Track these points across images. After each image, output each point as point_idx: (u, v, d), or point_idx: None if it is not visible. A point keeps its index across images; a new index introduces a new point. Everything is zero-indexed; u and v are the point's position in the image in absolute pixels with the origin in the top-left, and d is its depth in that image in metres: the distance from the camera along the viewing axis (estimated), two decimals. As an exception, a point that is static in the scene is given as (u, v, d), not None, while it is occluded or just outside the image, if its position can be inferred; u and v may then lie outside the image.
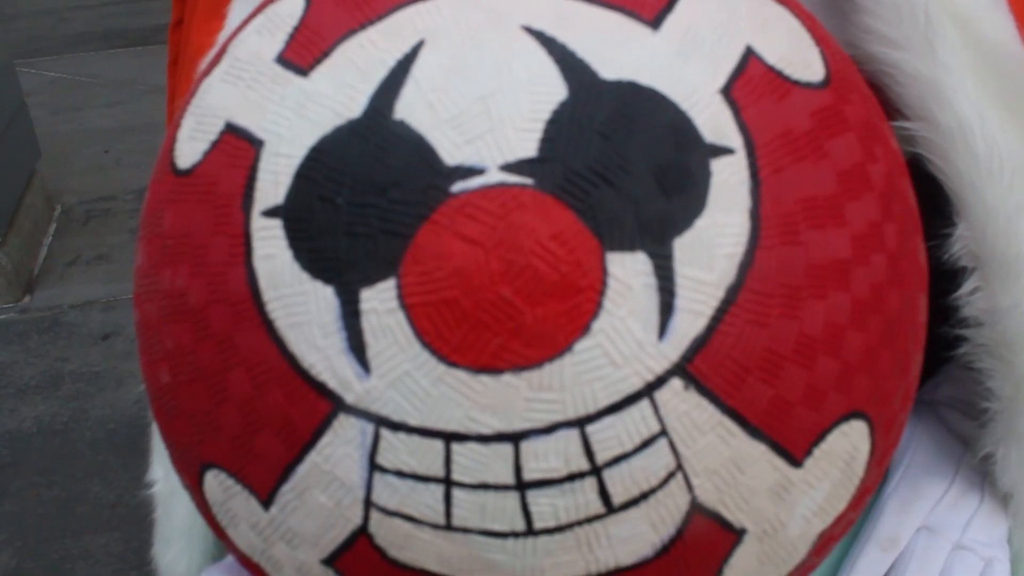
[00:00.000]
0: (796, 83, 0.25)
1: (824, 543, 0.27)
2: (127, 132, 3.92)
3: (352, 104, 0.24)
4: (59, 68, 4.93)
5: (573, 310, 0.21)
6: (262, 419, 0.24)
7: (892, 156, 0.27)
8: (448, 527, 0.23)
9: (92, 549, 1.72)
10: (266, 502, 0.25)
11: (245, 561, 0.28)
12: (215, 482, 0.26)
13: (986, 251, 0.44)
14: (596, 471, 0.22)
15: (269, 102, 0.25)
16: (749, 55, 0.24)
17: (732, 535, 0.24)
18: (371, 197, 0.23)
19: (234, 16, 0.53)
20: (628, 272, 0.22)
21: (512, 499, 0.22)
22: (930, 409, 0.59)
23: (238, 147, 0.25)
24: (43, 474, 1.93)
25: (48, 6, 5.92)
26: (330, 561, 0.25)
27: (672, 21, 0.24)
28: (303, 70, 0.25)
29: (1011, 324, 0.46)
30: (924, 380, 0.59)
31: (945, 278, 0.47)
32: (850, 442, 0.25)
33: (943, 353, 0.51)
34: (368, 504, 0.23)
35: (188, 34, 0.61)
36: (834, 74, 0.26)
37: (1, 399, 2.18)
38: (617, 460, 0.22)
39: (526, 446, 0.22)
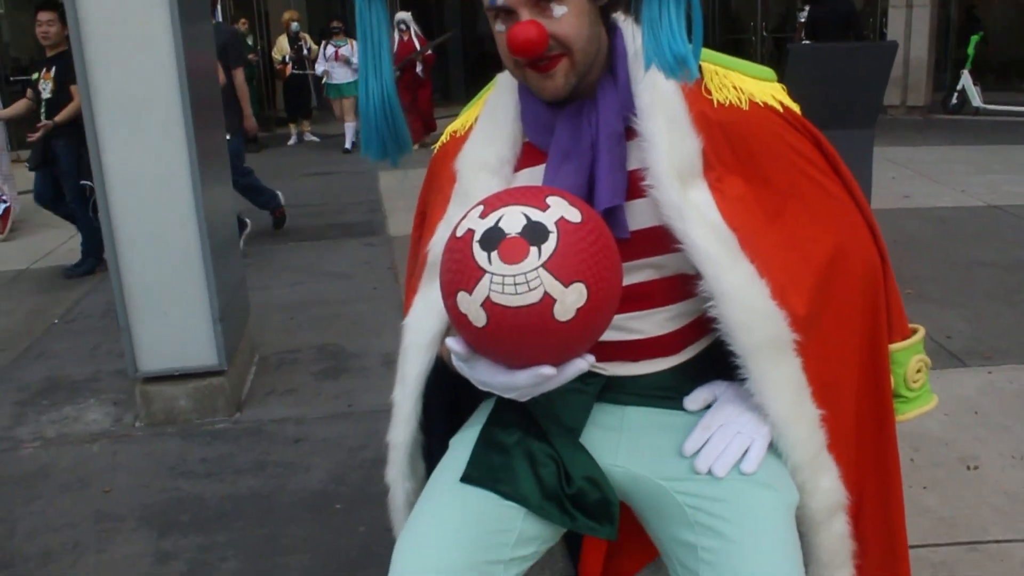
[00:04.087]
0: (570, 221, 1.09)
1: (581, 317, 1.08)
2: (305, 306, 4.92)
3: (491, 223, 1.10)
4: (250, 256, 6.04)
5: (525, 254, 1.06)
6: (471, 278, 1.08)
7: (598, 237, 1.11)
8: (499, 295, 1.07)
9: (291, 564, 2.50)
10: (470, 292, 1.08)
11: (460, 316, 1.10)
12: (463, 294, 1.09)
13: (713, 291, 1.24)
14: (528, 281, 1.06)
15: (477, 225, 1.12)
16: (560, 216, 1.09)
17: (553, 299, 1.06)
18: (495, 240, 1.09)
19: (452, 207, 1.40)
20: (533, 251, 1.06)
21: (511, 285, 1.06)
22: (742, 383, 1.34)
23: (470, 233, 1.12)
24: (255, 519, 2.74)
25: (240, 208, 7.20)
26: (482, 304, 1.07)
27: (550, 207, 1.10)
28: (485, 218, 1.12)
29: (724, 326, 1.25)
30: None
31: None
32: (577, 289, 1.06)
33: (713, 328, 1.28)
34: (490, 289, 1.07)
35: (431, 217, 1.48)
36: (584, 218, 1.10)
37: (224, 475, 3.05)
38: (532, 272, 1.06)
39: (514, 278, 1.07)
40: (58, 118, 5.47)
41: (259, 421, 3.47)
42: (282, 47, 11.75)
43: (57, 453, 3.28)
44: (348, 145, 10.89)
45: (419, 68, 10.32)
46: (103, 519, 2.79)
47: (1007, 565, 2.34)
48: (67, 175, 5.67)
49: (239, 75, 6.28)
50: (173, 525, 2.73)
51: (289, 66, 11.62)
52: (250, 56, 11.39)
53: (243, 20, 11.68)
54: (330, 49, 10.89)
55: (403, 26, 10.16)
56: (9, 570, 2.54)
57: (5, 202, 6.70)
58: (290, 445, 3.25)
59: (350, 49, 10.66)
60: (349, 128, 10.91)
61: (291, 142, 12.01)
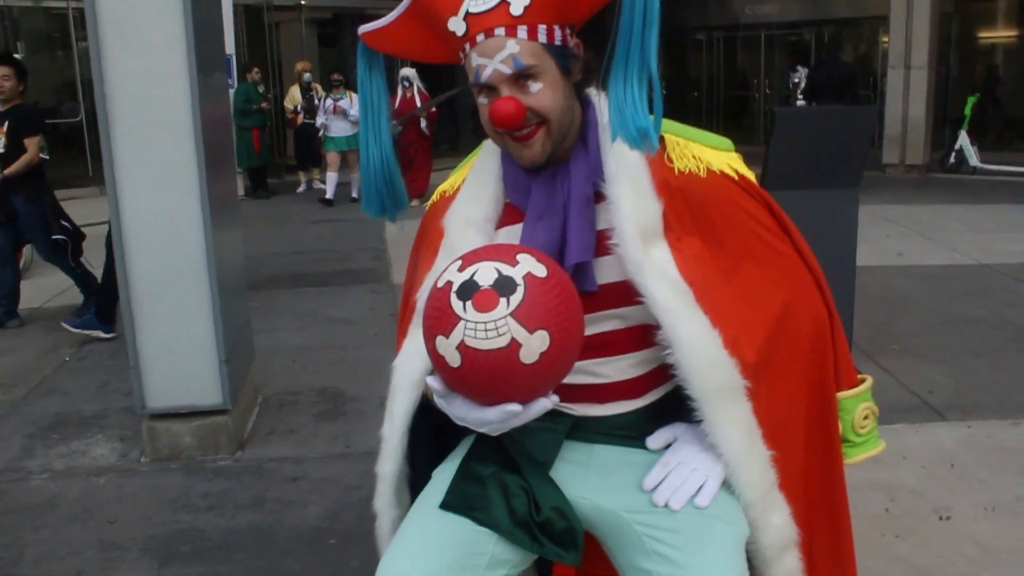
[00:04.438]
0: (536, 276, 1.23)
1: (544, 360, 1.21)
2: (309, 351, 5.06)
3: (467, 276, 1.25)
4: (257, 300, 6.17)
5: (495, 304, 1.21)
6: (448, 324, 1.23)
7: (561, 291, 1.25)
8: (472, 339, 1.21)
9: (285, 596, 2.61)
10: (447, 336, 1.22)
11: (439, 357, 1.24)
12: (441, 338, 1.23)
13: (670, 340, 1.38)
14: (497, 327, 1.20)
15: (455, 277, 1.26)
16: (528, 272, 1.23)
17: (519, 344, 1.20)
18: (470, 291, 1.23)
19: (439, 260, 1.55)
20: (503, 301, 1.21)
21: (482, 331, 1.21)
22: (699, 425, 1.48)
23: (448, 285, 1.26)
24: (254, 551, 2.85)
25: (249, 253, 7.40)
26: (457, 347, 1.21)
27: (519, 263, 1.25)
28: (462, 272, 1.27)
29: (681, 371, 1.38)
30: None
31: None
32: (540, 336, 1.21)
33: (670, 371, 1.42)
34: (464, 334, 1.21)
35: (420, 268, 1.63)
36: (549, 273, 1.25)
37: (225, 509, 3.16)
38: (501, 320, 1.20)
39: (485, 324, 1.21)
40: (8, 171, 5.43)
41: (260, 459, 3.59)
42: (294, 97, 12.03)
43: (65, 485, 3.41)
44: (355, 194, 11.00)
45: (424, 124, 10.39)
46: (108, 548, 2.90)
47: (972, 610, 2.44)
48: (32, 233, 5.60)
49: None
50: (175, 555, 2.84)
51: (300, 115, 11.87)
52: (262, 104, 11.66)
53: (256, 69, 11.97)
54: (328, 102, 10.95)
55: (406, 83, 10.23)
56: (16, 595, 2.65)
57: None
58: (289, 483, 3.36)
59: (348, 102, 10.74)
60: (355, 179, 11.00)
61: (300, 189, 12.25)
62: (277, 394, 4.33)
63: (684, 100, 17.50)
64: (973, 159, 11.57)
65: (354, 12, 15.91)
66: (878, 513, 2.94)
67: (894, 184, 11.08)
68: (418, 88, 10.42)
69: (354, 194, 11.07)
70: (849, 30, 16.16)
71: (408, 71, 10.40)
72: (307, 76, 11.90)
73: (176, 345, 3.55)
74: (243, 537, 2.95)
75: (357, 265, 7.35)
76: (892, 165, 12.05)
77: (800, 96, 11.17)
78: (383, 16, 1.51)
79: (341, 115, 10.89)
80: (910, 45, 11.72)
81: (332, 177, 11.07)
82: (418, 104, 10.26)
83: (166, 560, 2.82)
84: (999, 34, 15.32)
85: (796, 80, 11.55)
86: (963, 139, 11.67)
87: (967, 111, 11.76)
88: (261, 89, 11.89)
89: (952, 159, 11.85)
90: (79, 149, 12.81)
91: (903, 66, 11.81)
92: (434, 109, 10.61)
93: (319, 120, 11.22)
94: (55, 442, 3.84)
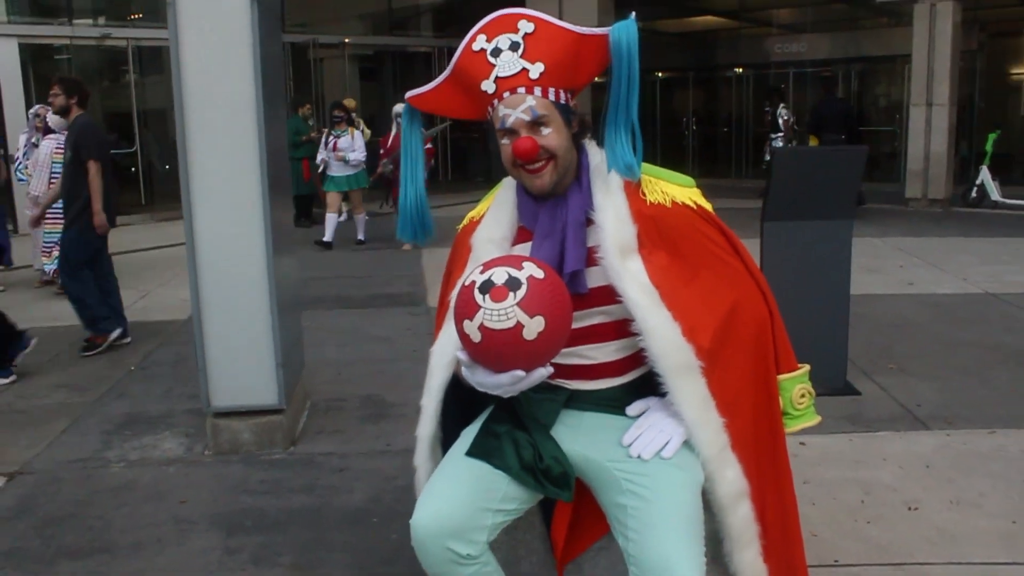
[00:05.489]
0: (536, 277, 1.67)
1: (540, 338, 1.66)
2: (352, 364, 5.52)
3: (487, 276, 1.70)
4: (304, 319, 6.64)
5: (506, 296, 1.66)
6: (472, 310, 1.67)
7: (555, 288, 1.70)
8: (488, 321, 1.66)
9: (335, 560, 3.05)
10: (471, 319, 1.66)
11: (465, 335, 1.69)
12: (466, 321, 1.67)
13: (641, 329, 1.83)
14: (507, 313, 1.67)
15: (477, 277, 1.72)
16: (530, 274, 1.67)
17: (522, 326, 1.64)
18: (488, 287, 1.69)
19: (468, 271, 2.01)
20: (511, 295, 1.66)
21: (496, 316, 1.66)
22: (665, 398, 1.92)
23: (473, 283, 1.71)
24: (306, 526, 3.31)
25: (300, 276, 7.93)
26: (478, 327, 1.66)
27: (524, 268, 1.70)
28: (483, 273, 1.72)
29: (650, 354, 1.83)
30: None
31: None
32: (538, 320, 1.64)
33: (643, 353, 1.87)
34: (483, 318, 1.65)
35: (453, 276, 2.09)
36: (546, 276, 1.70)
37: (280, 493, 3.62)
38: (509, 307, 1.66)
39: (497, 311, 1.66)
40: None
41: (310, 454, 4.06)
42: (334, 130, 12.60)
43: (140, 472, 3.89)
44: (360, 235, 10.48)
45: None
46: (181, 522, 3.37)
47: (926, 583, 2.83)
48: None
49: (92, 168, 5.73)
50: (238, 528, 3.31)
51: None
52: (311, 135, 12.24)
53: (308, 105, 12.60)
54: (330, 139, 10.32)
55: (400, 119, 10.04)
56: (108, 554, 3.13)
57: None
58: (336, 473, 3.82)
59: (349, 139, 10.21)
60: (359, 220, 10.55)
61: (342, 218, 12.79)
62: (324, 400, 4.80)
63: (713, 136, 17.96)
64: (994, 194, 11.87)
65: (394, 50, 16.61)
66: (854, 504, 3.33)
67: (915, 217, 11.41)
68: None
69: (360, 236, 10.52)
70: (877, 67, 16.54)
71: (401, 107, 10.51)
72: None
73: (239, 352, 4.03)
74: (296, 515, 3.41)
75: (395, 289, 7.83)
76: (915, 199, 12.37)
77: (790, 133, 12.29)
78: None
79: (341, 160, 10.22)
80: (931, 83, 12.08)
81: (331, 219, 10.32)
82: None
83: (231, 531, 3.28)
84: (1025, 71, 15.60)
85: (786, 117, 12.66)
86: (984, 174, 11.98)
87: (988, 147, 12.08)
88: (311, 123, 12.48)
89: (974, 194, 12.15)
90: (133, 178, 13.52)
91: (925, 103, 12.16)
92: (429, 146, 10.08)
93: (319, 157, 10.61)
94: (128, 437, 4.33)
